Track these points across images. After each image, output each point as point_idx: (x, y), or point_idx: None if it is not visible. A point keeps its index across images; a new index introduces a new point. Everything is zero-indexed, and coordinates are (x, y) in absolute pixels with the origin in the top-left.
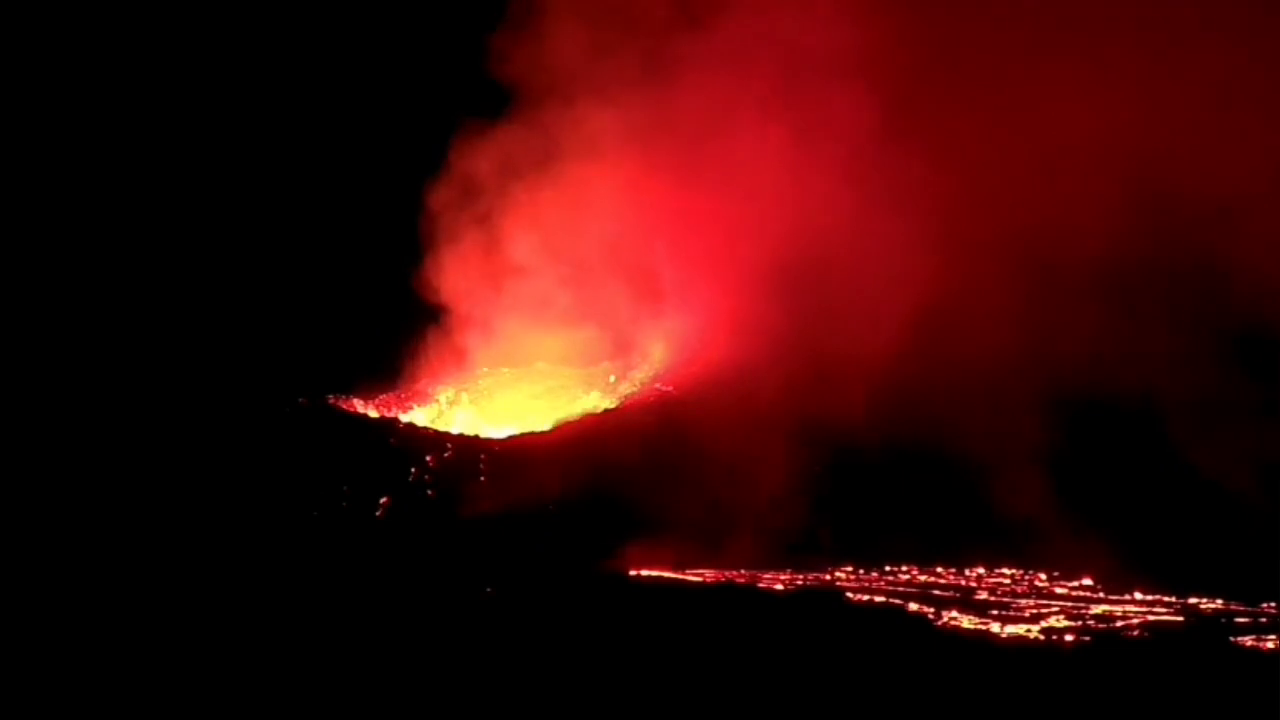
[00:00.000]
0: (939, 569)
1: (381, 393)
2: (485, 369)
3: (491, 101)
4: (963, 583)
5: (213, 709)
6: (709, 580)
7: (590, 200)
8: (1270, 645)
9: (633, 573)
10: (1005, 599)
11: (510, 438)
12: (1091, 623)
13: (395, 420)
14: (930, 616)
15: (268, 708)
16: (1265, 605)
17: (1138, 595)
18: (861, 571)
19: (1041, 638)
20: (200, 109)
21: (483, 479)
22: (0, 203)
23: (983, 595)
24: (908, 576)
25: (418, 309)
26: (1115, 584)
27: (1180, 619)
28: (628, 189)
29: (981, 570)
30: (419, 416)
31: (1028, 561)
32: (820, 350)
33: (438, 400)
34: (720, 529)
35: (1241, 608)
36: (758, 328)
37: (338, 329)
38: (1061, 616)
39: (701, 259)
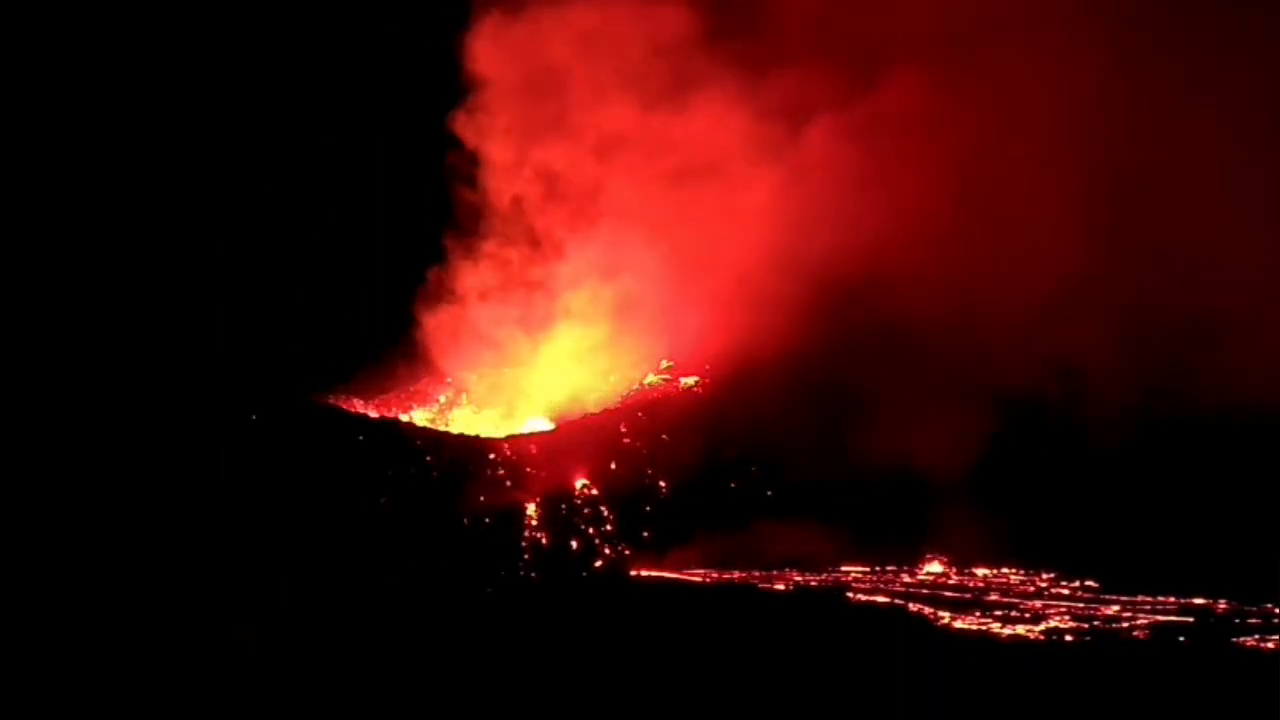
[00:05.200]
0: (941, 569)
1: (381, 393)
2: (485, 369)
3: (493, 101)
4: (965, 583)
5: (212, 708)
6: (709, 580)
7: (592, 200)
8: (1272, 645)
9: (633, 573)
10: (1007, 599)
11: (510, 437)
12: (1093, 623)
13: (395, 420)
14: (931, 617)
15: (267, 707)
16: (1267, 605)
17: (1140, 596)
18: (862, 571)
19: (1043, 638)
20: (201, 109)
21: (482, 479)
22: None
23: (984, 595)
24: (909, 577)
25: (419, 310)
26: (1118, 584)
27: (1182, 619)
28: (630, 190)
29: (984, 570)
30: (419, 416)
31: (1030, 562)
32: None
33: (438, 400)
34: (721, 528)
35: (1243, 607)
36: (760, 327)
37: (339, 329)
38: (1066, 616)
39: (700, 258)
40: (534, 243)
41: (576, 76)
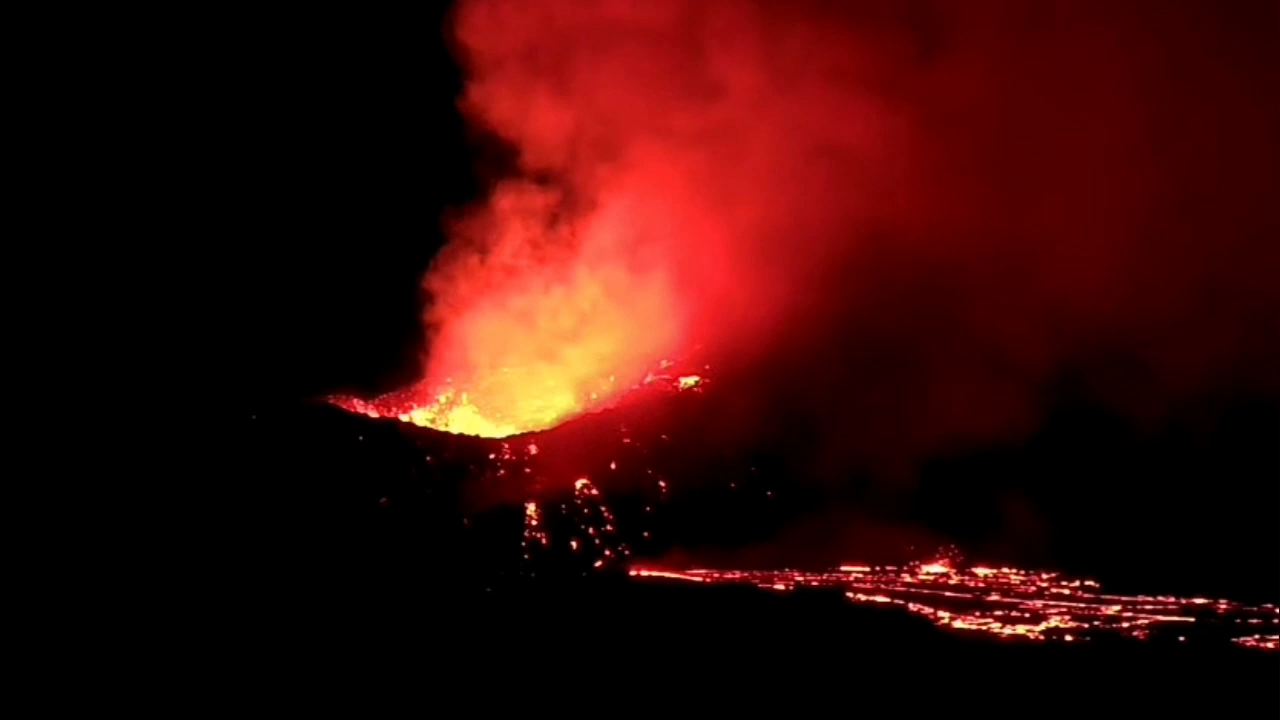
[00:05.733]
0: (941, 569)
1: (381, 393)
2: (485, 369)
3: (492, 101)
4: (965, 583)
5: (213, 708)
6: (709, 580)
7: (592, 200)
8: (1271, 645)
9: (633, 573)
10: (1007, 599)
11: (510, 438)
12: (1093, 623)
13: (395, 420)
14: (931, 617)
15: (268, 707)
16: (1267, 605)
17: (1140, 595)
18: (862, 571)
19: (1042, 638)
20: (203, 109)
21: (482, 479)
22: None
23: (984, 595)
24: (909, 577)
25: (419, 310)
26: (1117, 584)
27: (1182, 619)
28: (627, 189)
29: (984, 570)
30: (419, 416)
31: (1030, 562)
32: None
33: (438, 400)
34: (721, 527)
35: (1243, 608)
36: (759, 324)
37: (338, 329)
38: (1067, 616)
39: (697, 256)
40: (537, 239)
41: (581, 52)
